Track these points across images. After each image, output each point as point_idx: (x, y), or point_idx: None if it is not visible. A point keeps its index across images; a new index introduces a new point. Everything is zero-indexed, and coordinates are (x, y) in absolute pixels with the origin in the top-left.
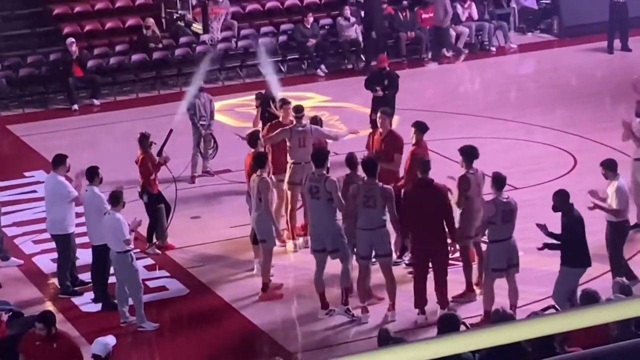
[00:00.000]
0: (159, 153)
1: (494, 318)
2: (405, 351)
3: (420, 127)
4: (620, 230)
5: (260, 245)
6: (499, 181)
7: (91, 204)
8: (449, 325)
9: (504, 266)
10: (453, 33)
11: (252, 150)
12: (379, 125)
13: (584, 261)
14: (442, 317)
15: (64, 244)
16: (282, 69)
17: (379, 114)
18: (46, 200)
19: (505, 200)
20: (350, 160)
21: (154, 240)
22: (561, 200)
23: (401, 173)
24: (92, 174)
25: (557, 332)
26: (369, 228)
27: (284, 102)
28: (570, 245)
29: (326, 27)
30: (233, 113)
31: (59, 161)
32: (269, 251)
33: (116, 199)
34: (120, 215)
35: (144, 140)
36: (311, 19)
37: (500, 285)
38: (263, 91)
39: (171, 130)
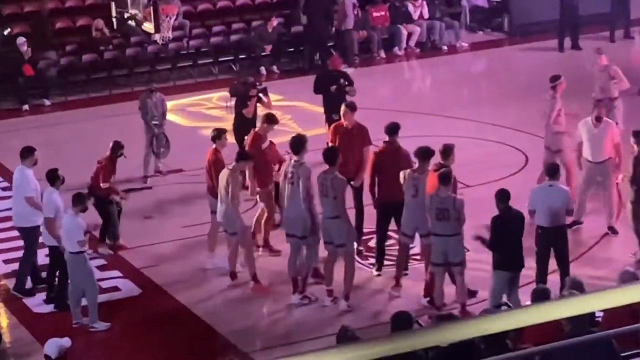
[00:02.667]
0: (125, 190)
1: (438, 320)
2: (360, 349)
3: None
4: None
5: (234, 237)
6: (441, 177)
7: (48, 206)
8: (402, 323)
9: (440, 261)
10: (404, 32)
11: (214, 146)
12: (344, 119)
13: (512, 265)
14: (395, 315)
15: (29, 237)
16: (234, 68)
17: (343, 108)
18: (13, 193)
19: (442, 197)
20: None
21: (107, 240)
22: (499, 200)
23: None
24: (53, 178)
25: (508, 329)
26: (326, 217)
27: (270, 120)
28: (499, 247)
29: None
30: (185, 113)
31: (26, 154)
32: (249, 243)
33: (78, 200)
34: (77, 217)
35: (116, 148)
36: (275, 22)
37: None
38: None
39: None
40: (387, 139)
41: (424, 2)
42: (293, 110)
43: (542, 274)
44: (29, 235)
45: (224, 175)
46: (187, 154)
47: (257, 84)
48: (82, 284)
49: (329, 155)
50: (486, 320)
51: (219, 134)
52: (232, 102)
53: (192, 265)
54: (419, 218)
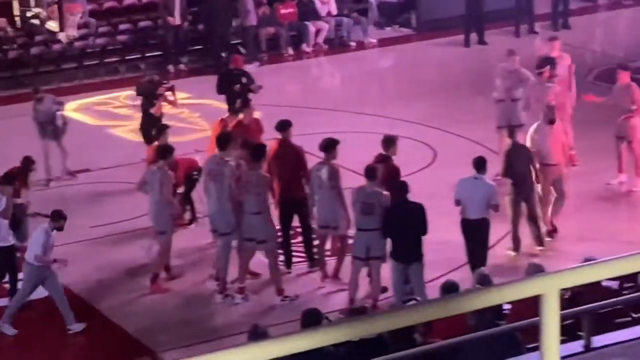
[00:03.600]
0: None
1: (349, 313)
2: (270, 346)
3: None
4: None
5: (158, 237)
6: (367, 172)
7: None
8: (311, 319)
9: (362, 255)
10: (312, 29)
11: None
12: (242, 115)
13: (406, 256)
14: (304, 312)
15: None
16: (140, 67)
17: (240, 103)
18: None
19: (370, 191)
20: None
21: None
22: (396, 190)
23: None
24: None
25: (415, 323)
26: (248, 213)
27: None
28: (394, 237)
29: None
30: (91, 112)
31: None
32: (167, 243)
33: (56, 218)
34: (49, 231)
35: (26, 164)
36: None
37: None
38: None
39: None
40: (279, 136)
41: None
42: (201, 107)
43: (471, 262)
44: None
45: (154, 173)
46: (94, 153)
47: (164, 82)
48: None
49: (255, 152)
50: (395, 314)
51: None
52: (139, 101)
53: (100, 265)
54: (327, 210)
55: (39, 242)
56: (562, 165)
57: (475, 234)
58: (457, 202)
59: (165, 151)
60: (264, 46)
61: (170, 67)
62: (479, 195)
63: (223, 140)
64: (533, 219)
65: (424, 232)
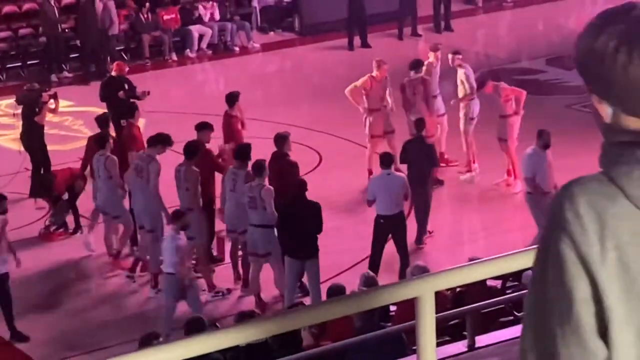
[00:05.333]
0: None
1: (237, 318)
2: (153, 353)
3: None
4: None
5: (116, 220)
6: (255, 168)
7: None
8: (195, 326)
9: (260, 252)
10: (196, 34)
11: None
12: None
13: (301, 253)
14: (189, 319)
15: None
16: (23, 74)
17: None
18: None
19: (253, 185)
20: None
21: None
22: (294, 187)
23: None
24: None
25: (301, 326)
26: (182, 209)
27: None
28: (289, 234)
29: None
30: None
31: None
32: (128, 224)
33: None
34: None
35: None
36: None
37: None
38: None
39: None
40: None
41: (215, 4)
42: (84, 115)
43: (376, 262)
44: None
45: (98, 160)
46: None
47: (47, 89)
48: None
49: (189, 148)
50: (281, 318)
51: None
52: (19, 110)
53: None
54: (235, 213)
55: None
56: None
57: (397, 230)
58: (371, 203)
59: (104, 140)
60: (147, 52)
61: (53, 76)
62: (396, 189)
63: (157, 138)
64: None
65: (319, 230)
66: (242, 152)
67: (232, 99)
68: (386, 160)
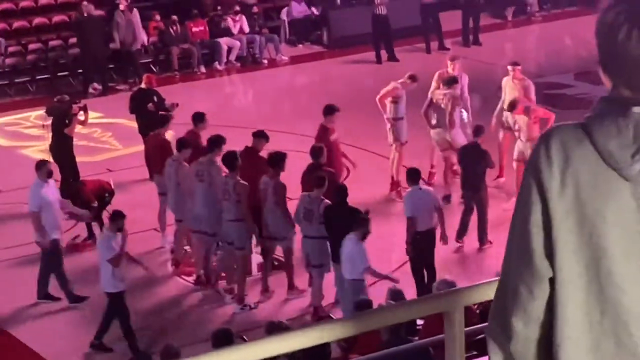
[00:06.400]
0: None
1: (268, 329)
2: None
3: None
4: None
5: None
6: (315, 181)
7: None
8: (222, 340)
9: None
10: (224, 46)
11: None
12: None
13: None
14: (215, 332)
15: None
16: (51, 87)
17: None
18: None
19: (313, 197)
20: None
21: None
22: (336, 195)
23: None
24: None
25: (331, 340)
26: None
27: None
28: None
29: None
30: (1, 132)
31: (39, 166)
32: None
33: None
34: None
35: None
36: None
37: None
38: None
39: None
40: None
41: (243, 16)
42: (113, 127)
43: (420, 276)
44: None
45: (171, 166)
46: (5, 174)
47: (77, 101)
48: None
49: (229, 160)
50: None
51: None
52: (49, 121)
53: (15, 290)
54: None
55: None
56: None
57: (429, 244)
58: (412, 219)
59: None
60: (175, 64)
61: (92, 87)
62: (429, 204)
63: (210, 142)
64: None
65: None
66: (276, 160)
67: (329, 110)
68: (415, 176)
